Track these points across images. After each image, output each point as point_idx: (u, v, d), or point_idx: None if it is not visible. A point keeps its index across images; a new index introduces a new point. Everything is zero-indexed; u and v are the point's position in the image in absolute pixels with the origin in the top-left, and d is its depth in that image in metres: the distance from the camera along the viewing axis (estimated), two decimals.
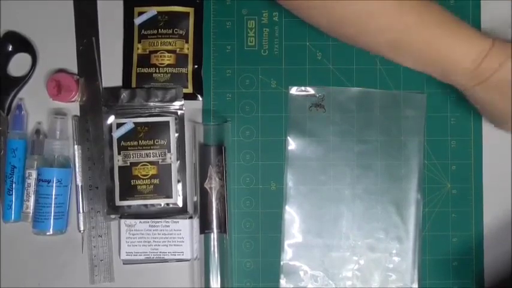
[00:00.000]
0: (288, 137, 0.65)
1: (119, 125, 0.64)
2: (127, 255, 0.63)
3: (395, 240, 0.64)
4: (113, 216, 0.63)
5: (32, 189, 0.63)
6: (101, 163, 0.64)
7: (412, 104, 0.65)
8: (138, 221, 0.63)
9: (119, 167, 0.63)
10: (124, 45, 0.65)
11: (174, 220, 0.63)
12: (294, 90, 0.65)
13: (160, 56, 0.64)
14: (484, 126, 0.66)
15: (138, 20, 0.65)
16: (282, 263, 0.64)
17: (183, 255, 0.63)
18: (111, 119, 0.64)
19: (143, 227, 0.63)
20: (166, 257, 0.63)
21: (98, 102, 0.64)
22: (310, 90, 0.65)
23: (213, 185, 0.62)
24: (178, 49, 0.65)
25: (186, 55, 0.65)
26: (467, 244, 0.65)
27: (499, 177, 0.66)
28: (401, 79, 0.65)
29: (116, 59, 0.65)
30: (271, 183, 0.65)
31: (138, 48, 0.65)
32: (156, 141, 0.63)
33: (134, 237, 0.63)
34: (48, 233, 0.62)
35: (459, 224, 0.65)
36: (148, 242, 0.63)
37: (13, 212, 0.63)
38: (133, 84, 0.65)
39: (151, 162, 0.63)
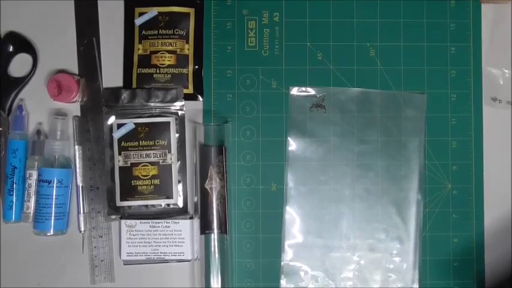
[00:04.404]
0: (289, 138, 0.65)
1: (119, 126, 0.64)
2: (127, 255, 0.63)
3: (395, 241, 0.64)
4: (113, 216, 0.63)
5: (32, 189, 0.63)
6: (101, 163, 0.64)
7: (412, 104, 0.65)
8: (138, 221, 0.63)
9: (120, 168, 0.63)
10: (124, 46, 0.65)
11: (175, 220, 0.63)
12: (294, 91, 0.65)
13: (161, 57, 0.64)
14: (485, 126, 0.66)
15: (138, 21, 0.65)
16: (282, 263, 0.64)
17: (183, 255, 0.63)
18: (112, 120, 0.64)
19: (144, 227, 0.63)
20: (166, 258, 0.63)
21: (98, 102, 0.64)
22: (311, 91, 0.65)
23: (213, 185, 0.62)
24: (178, 49, 0.65)
25: (187, 55, 0.65)
26: (468, 244, 0.65)
27: (499, 178, 0.66)
28: (402, 79, 0.65)
29: (117, 59, 0.65)
30: (272, 184, 0.64)
31: (138, 49, 0.65)
32: (157, 142, 0.63)
33: (135, 237, 0.63)
34: (48, 234, 0.62)
35: (460, 224, 0.65)
36: (149, 242, 0.63)
37: (14, 213, 0.63)
38: (134, 85, 0.65)
39: (151, 163, 0.63)
